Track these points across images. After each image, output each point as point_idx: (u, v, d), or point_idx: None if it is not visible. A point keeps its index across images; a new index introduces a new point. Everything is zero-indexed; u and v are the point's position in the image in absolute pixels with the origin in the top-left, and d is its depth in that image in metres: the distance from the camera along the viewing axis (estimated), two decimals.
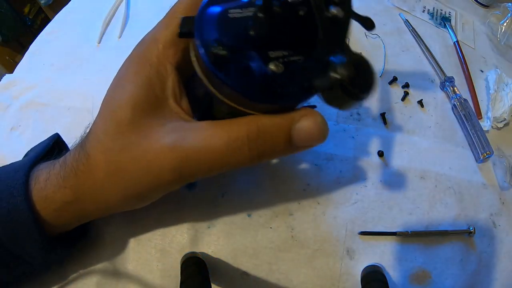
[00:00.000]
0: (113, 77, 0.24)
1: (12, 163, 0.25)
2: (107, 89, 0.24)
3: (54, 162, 0.24)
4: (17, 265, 0.24)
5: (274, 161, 0.34)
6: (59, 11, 0.44)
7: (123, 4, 0.44)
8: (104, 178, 0.22)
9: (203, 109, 0.23)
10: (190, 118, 0.23)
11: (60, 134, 0.30)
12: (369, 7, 0.49)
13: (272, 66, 0.18)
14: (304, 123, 0.20)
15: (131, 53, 0.24)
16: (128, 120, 0.21)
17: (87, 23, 0.43)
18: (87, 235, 0.28)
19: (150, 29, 0.25)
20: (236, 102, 0.20)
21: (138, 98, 0.22)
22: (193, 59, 0.20)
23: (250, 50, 0.19)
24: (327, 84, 0.16)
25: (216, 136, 0.20)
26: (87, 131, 0.24)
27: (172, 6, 0.24)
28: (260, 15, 0.19)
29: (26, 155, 0.28)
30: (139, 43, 0.24)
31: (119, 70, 0.24)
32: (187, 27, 0.20)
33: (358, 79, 0.16)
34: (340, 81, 0.16)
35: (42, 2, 1.09)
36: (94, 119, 0.24)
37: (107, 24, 0.42)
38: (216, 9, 0.20)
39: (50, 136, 0.29)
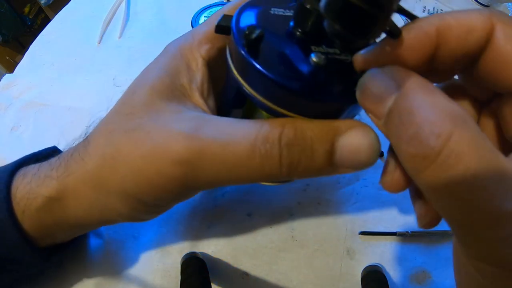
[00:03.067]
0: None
1: None
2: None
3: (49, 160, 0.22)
4: (7, 274, 0.23)
5: None
6: (59, 11, 0.44)
7: (123, 4, 0.44)
8: (99, 167, 0.19)
9: (235, 115, 0.22)
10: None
11: (60, 134, 0.30)
12: None
13: (314, 58, 0.16)
14: (352, 137, 0.15)
15: (166, 46, 0.22)
16: (142, 101, 0.19)
17: (87, 23, 0.43)
18: (81, 243, 0.28)
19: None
20: (272, 99, 0.17)
21: (161, 82, 0.19)
22: (228, 56, 0.19)
23: (291, 42, 0.17)
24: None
25: (241, 131, 0.16)
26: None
27: (219, 10, 0.22)
28: (308, 6, 0.17)
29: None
30: (175, 40, 0.23)
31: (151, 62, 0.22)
32: (225, 22, 0.19)
33: None
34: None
35: (42, 2, 1.09)
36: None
37: (107, 24, 0.42)
38: (257, 7, 0.19)
39: (47, 147, 0.27)
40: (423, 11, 0.50)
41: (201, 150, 0.16)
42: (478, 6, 0.54)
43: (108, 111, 0.21)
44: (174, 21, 0.44)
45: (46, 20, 1.05)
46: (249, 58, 0.16)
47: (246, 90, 0.17)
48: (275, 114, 0.17)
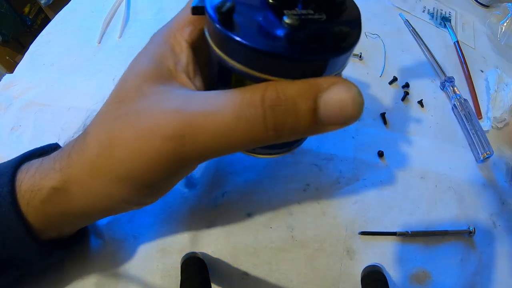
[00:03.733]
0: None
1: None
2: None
3: (51, 154, 0.23)
4: (12, 272, 0.23)
5: (275, 161, 0.34)
6: (59, 11, 0.44)
7: (123, 4, 0.44)
8: (96, 155, 0.19)
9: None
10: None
11: (60, 134, 0.29)
12: (369, 7, 0.49)
13: (287, 20, 0.17)
14: (334, 93, 0.16)
15: (153, 35, 0.23)
16: (131, 88, 0.20)
17: (87, 23, 0.43)
18: (84, 239, 0.28)
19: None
20: (250, 65, 0.17)
21: (147, 68, 0.21)
22: (206, 33, 0.20)
23: (264, 10, 0.18)
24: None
25: (225, 100, 0.17)
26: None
27: None
28: None
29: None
30: (162, 26, 0.24)
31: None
32: (200, 3, 0.20)
33: None
34: None
35: (42, 2, 1.09)
36: None
37: (107, 24, 0.42)
38: None
39: (49, 143, 0.27)
40: (423, 11, 0.50)
41: (189, 122, 0.17)
42: (478, 7, 0.54)
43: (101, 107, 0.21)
44: None
45: (46, 20, 1.05)
46: (224, 30, 0.17)
47: (228, 63, 0.18)
48: (259, 82, 0.18)
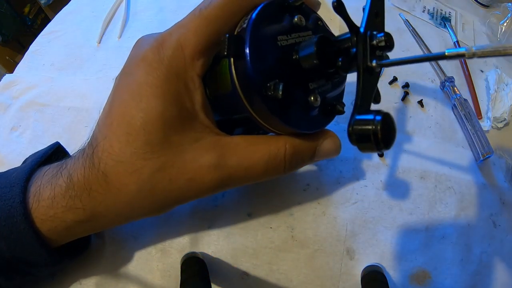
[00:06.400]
0: (113, 77, 0.23)
1: (6, 173, 0.24)
2: (106, 89, 0.23)
3: (56, 175, 0.22)
4: (23, 277, 0.23)
5: None
6: (59, 11, 0.44)
7: (123, 4, 0.44)
8: (133, 198, 0.21)
9: (228, 120, 0.24)
10: (219, 131, 0.22)
11: (60, 134, 0.29)
12: None
13: (312, 99, 0.21)
14: (326, 144, 0.24)
15: (144, 55, 0.21)
16: (159, 139, 0.20)
17: (87, 23, 0.43)
18: (90, 242, 0.28)
19: (150, 29, 0.23)
20: (273, 126, 0.22)
21: (168, 114, 0.20)
22: (235, 80, 0.20)
23: (295, 82, 0.21)
24: (367, 134, 0.18)
25: (257, 154, 0.22)
26: (92, 142, 0.22)
27: (200, 8, 0.21)
28: (314, 52, 0.20)
29: (24, 161, 0.26)
30: (153, 44, 0.21)
31: (128, 75, 0.21)
32: (236, 50, 0.19)
33: (386, 134, 0.18)
34: (374, 133, 0.18)
35: (42, 2, 1.09)
36: (98, 128, 0.22)
37: (107, 24, 0.42)
38: (264, 33, 0.20)
39: (50, 145, 0.27)
40: (423, 11, 0.50)
41: (229, 176, 0.22)
42: (478, 7, 0.54)
43: (111, 146, 0.21)
44: (174, 21, 0.44)
45: (46, 20, 1.05)
46: (270, 110, 0.20)
47: (256, 119, 0.21)
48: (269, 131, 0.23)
